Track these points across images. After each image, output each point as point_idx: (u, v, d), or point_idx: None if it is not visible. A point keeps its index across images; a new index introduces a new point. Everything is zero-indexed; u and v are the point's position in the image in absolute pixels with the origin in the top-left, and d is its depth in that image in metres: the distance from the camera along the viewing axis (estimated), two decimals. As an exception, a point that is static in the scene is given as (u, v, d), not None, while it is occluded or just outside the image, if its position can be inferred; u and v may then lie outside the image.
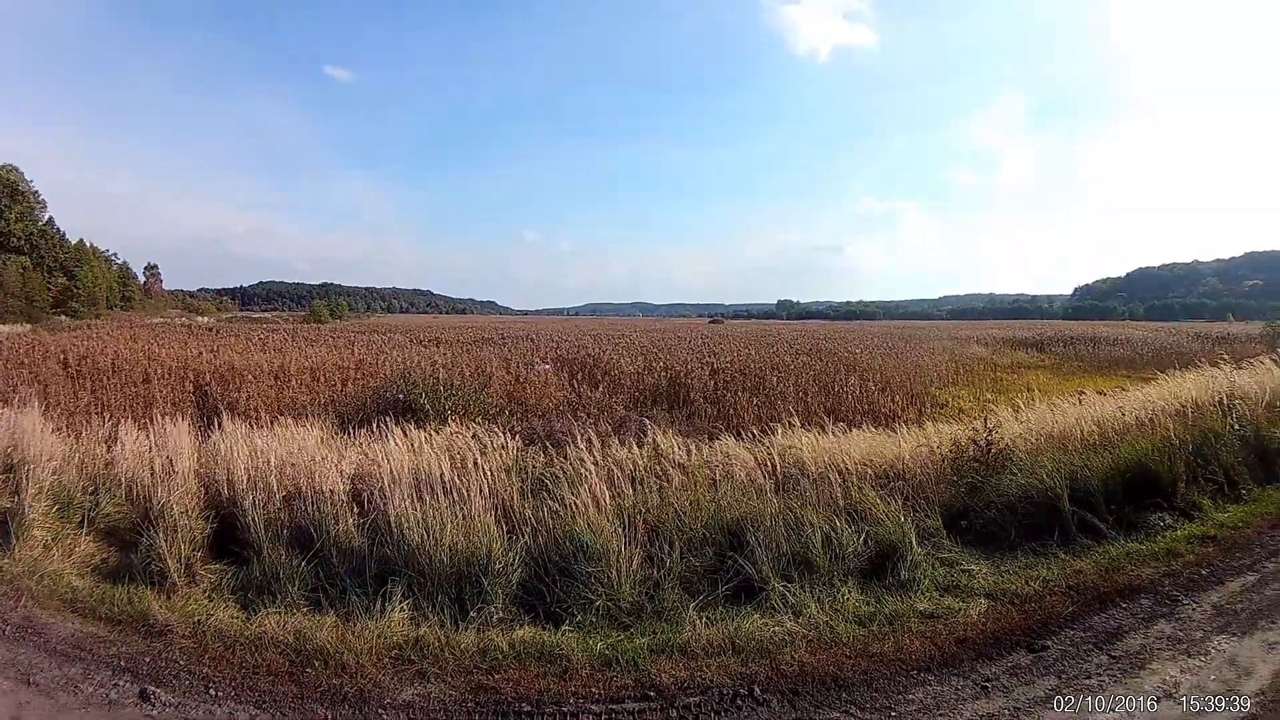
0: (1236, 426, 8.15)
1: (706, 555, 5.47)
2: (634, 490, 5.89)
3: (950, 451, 7.07)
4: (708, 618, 4.93)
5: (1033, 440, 7.57)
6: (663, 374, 17.56)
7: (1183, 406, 8.59)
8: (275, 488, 6.12)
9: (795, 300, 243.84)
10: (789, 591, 5.17)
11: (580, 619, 4.93)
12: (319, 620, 5.04)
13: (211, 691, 4.30)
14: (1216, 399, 8.91)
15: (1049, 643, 4.80)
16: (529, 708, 4.26)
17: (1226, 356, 11.25)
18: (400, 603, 5.10)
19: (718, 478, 6.30)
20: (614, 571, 5.14)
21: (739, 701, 4.25)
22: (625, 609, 5.02)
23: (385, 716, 4.22)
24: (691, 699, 4.28)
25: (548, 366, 18.51)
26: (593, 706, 4.25)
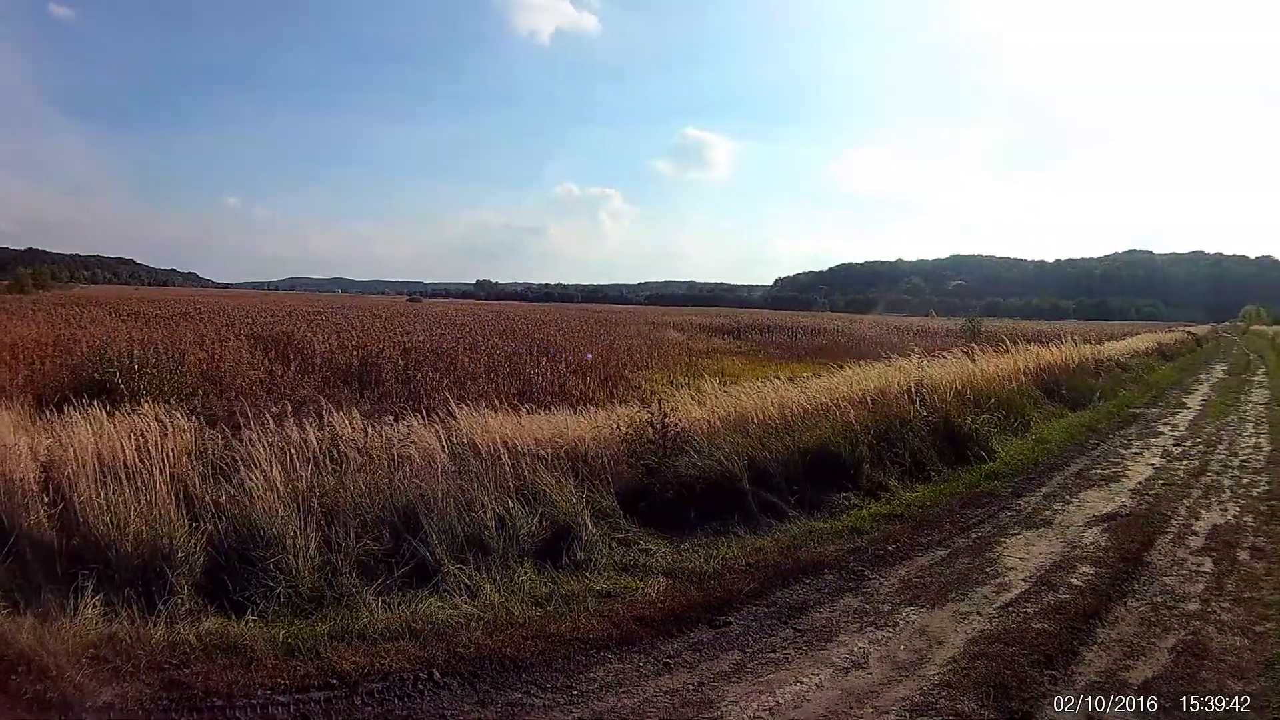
0: (925, 413, 8.81)
1: (384, 538, 5.45)
2: (309, 473, 5.80)
3: (628, 433, 7.20)
4: (385, 602, 4.95)
5: (713, 423, 7.81)
6: (355, 353, 17.42)
7: (866, 393, 9.09)
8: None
9: (494, 281, 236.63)
10: (464, 573, 5.22)
11: (263, 607, 4.87)
12: (19, 622, 4.70)
13: (-70, 707, 4.06)
14: (905, 387, 9.49)
15: (731, 619, 4.96)
16: (220, 702, 4.20)
17: (919, 348, 12.45)
18: (92, 598, 4.87)
19: (395, 459, 6.26)
20: (292, 557, 5.09)
21: (420, 685, 4.30)
22: (305, 595, 4.99)
23: None
24: (374, 685, 4.29)
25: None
26: (279, 697, 4.22)
